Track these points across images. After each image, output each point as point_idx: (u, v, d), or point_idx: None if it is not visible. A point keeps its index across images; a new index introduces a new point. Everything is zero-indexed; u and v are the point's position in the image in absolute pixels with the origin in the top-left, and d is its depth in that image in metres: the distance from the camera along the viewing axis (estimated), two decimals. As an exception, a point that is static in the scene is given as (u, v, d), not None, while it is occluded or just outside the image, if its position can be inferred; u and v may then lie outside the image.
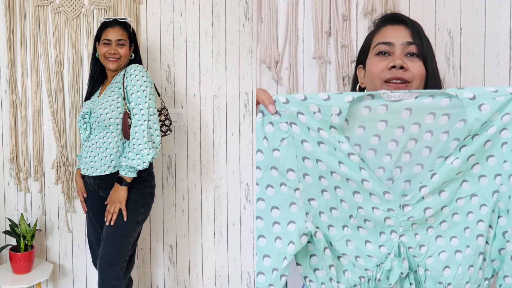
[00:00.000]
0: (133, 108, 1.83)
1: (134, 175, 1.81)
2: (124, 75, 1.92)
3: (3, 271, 2.21)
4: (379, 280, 1.01)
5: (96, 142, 1.92)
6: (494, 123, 0.96)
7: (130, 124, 1.83)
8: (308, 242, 1.03)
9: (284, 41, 1.73)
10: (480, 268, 1.00)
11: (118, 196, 1.82)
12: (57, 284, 2.39)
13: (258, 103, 1.02)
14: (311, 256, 1.05)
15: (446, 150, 0.99)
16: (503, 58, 1.60)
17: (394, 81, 1.14)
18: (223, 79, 2.28)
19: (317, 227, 1.03)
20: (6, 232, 2.22)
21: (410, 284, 1.02)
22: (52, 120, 2.28)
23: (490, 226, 1.00)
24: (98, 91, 2.03)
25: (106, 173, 1.89)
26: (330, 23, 1.70)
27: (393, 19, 1.23)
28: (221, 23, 2.26)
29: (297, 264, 1.06)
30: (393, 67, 1.14)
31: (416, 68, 1.14)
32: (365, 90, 1.24)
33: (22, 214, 2.26)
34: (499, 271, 1.00)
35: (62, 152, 2.29)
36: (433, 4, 1.65)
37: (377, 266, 1.03)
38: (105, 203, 1.87)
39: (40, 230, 2.33)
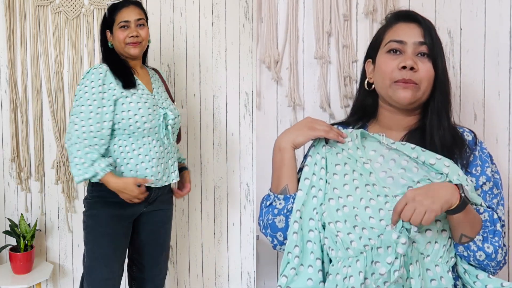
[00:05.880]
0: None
1: None
2: (160, 76, 1.90)
3: (3, 271, 2.21)
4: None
5: (169, 147, 1.78)
6: None
7: None
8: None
9: (284, 41, 1.73)
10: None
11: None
12: (57, 284, 2.39)
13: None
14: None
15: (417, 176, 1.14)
16: (503, 58, 1.61)
17: (403, 82, 1.17)
18: (223, 79, 2.28)
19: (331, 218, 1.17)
20: (6, 232, 2.22)
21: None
22: (52, 120, 2.28)
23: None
24: (141, 84, 1.76)
25: (178, 180, 1.83)
26: (331, 23, 1.70)
27: (406, 16, 1.25)
28: (221, 23, 2.26)
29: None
30: (404, 67, 1.16)
31: (425, 70, 1.17)
32: (373, 86, 1.27)
33: (22, 214, 2.26)
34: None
35: (62, 152, 2.29)
36: (433, 4, 1.65)
37: (378, 236, 1.09)
38: (181, 193, 1.89)
39: (40, 230, 2.33)
